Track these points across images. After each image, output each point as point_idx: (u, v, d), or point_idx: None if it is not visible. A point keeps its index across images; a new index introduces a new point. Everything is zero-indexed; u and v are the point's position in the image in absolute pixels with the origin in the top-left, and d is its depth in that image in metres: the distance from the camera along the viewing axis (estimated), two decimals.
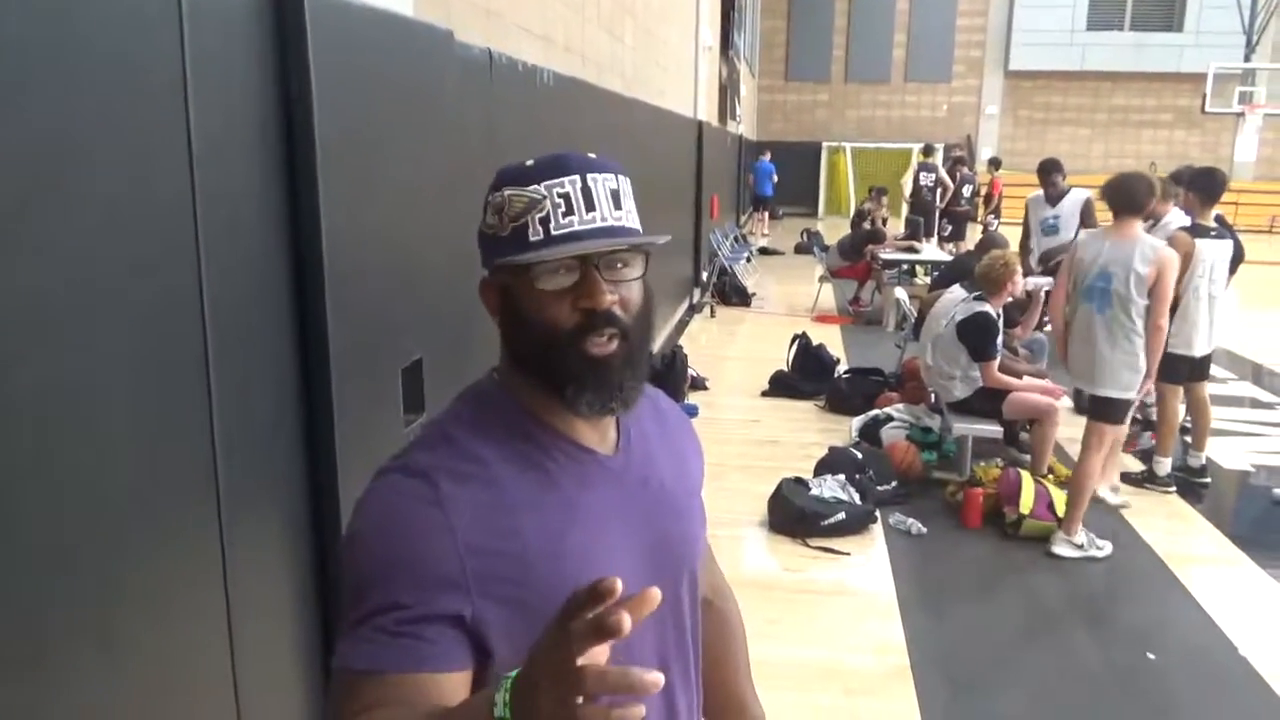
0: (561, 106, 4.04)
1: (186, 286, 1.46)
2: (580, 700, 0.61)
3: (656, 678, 0.60)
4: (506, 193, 0.91)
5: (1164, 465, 4.89)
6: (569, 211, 0.90)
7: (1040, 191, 6.63)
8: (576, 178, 0.91)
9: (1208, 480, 5.00)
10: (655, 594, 0.64)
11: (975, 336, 4.69)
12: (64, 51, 1.20)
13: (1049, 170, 6.59)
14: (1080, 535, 4.05)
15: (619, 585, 0.62)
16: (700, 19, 10.32)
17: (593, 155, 0.94)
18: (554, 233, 0.89)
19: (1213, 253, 4.68)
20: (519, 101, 3.34)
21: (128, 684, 1.34)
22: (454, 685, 0.86)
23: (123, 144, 1.31)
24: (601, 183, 0.92)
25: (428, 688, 0.83)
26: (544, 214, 0.90)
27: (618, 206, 0.92)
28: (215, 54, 1.52)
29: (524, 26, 3.76)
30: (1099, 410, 4.06)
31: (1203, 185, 4.81)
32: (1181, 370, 4.75)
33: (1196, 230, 4.70)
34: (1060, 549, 4.04)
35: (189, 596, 1.50)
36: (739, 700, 1.12)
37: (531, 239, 0.90)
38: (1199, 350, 4.75)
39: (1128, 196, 3.91)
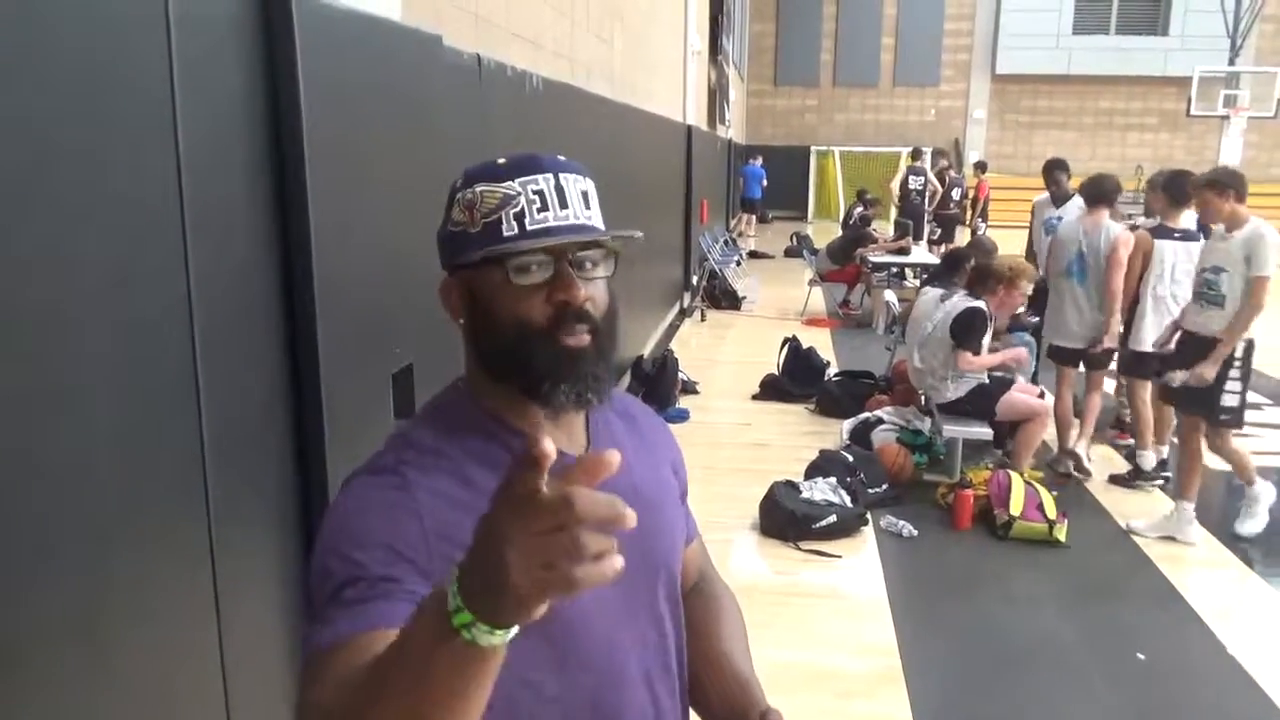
0: (551, 111, 4.04)
1: (175, 291, 1.45)
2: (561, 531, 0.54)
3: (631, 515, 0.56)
4: (479, 189, 0.91)
5: (1148, 458, 5.01)
6: (543, 208, 0.90)
7: (1047, 193, 6.54)
8: (550, 175, 0.91)
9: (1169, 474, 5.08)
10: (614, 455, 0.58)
11: (961, 327, 4.71)
12: (49, 58, 1.19)
13: (1052, 169, 6.49)
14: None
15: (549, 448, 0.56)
16: (689, 23, 10.34)
17: (562, 157, 0.94)
18: (529, 228, 0.89)
19: (1174, 255, 4.83)
20: (508, 106, 3.34)
21: (115, 683, 1.34)
22: None
23: (109, 150, 1.31)
24: (573, 182, 0.93)
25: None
26: (518, 209, 0.90)
27: (588, 206, 0.93)
28: (202, 60, 1.52)
29: (513, 31, 3.76)
30: (1094, 362, 5.01)
31: (1171, 188, 4.95)
32: (1151, 366, 4.85)
33: (1160, 231, 4.93)
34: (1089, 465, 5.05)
35: (178, 598, 1.49)
36: (740, 679, 1.06)
37: (505, 234, 0.89)
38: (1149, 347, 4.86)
39: (1098, 191, 5.00)
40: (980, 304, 4.76)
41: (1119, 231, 4.87)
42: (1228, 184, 4.15)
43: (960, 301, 4.81)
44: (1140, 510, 4.61)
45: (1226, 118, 19.66)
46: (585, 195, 0.93)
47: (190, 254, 1.47)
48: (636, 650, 1.00)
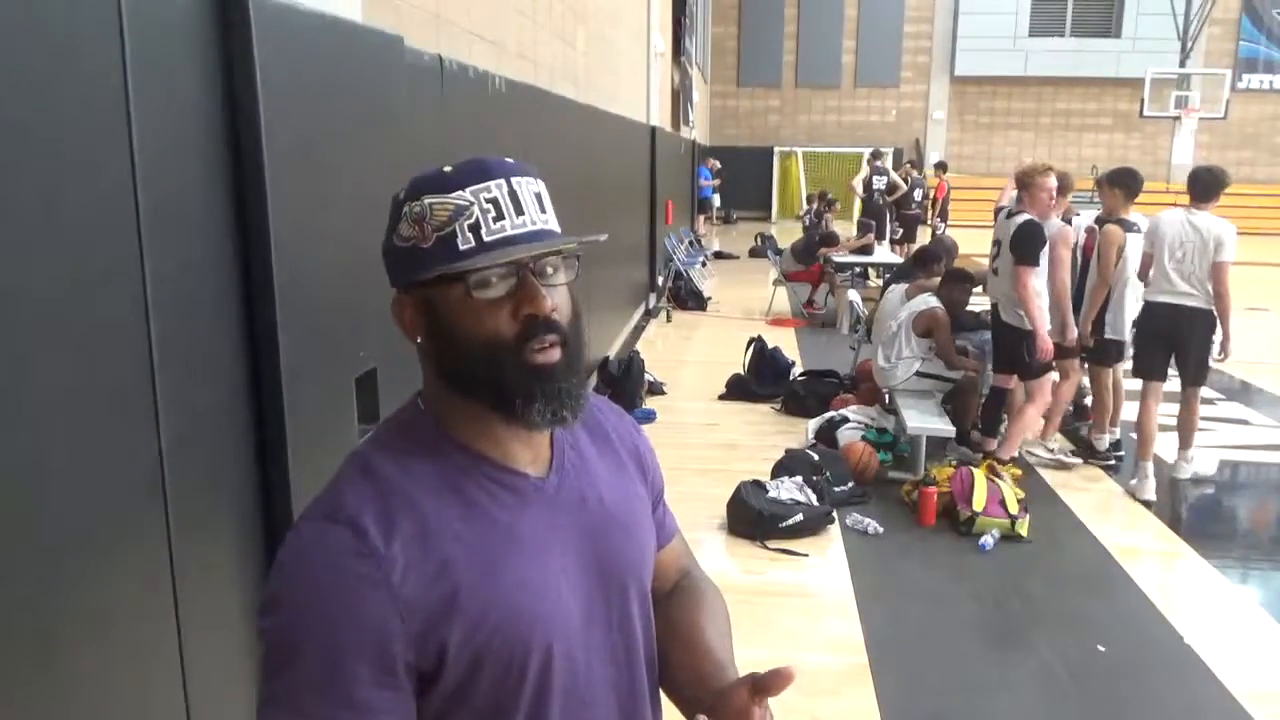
0: (514, 113, 4.02)
1: (131, 295, 1.42)
2: None
3: None
4: (427, 201, 0.86)
5: (1103, 441, 5.35)
6: (499, 216, 0.86)
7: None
8: (502, 182, 0.88)
9: (1121, 455, 5.36)
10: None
11: (1021, 240, 4.67)
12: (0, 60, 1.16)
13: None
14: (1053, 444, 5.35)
15: None
16: (651, 25, 10.36)
17: (509, 159, 0.91)
18: (486, 239, 0.86)
19: (1131, 246, 5.04)
20: (471, 108, 3.32)
21: (72, 703, 1.31)
22: None
23: (63, 154, 1.28)
24: (526, 186, 0.89)
25: None
26: (473, 220, 0.86)
27: (543, 210, 0.90)
28: (157, 62, 1.49)
29: (475, 32, 3.74)
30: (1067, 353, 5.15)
31: (1125, 183, 5.13)
32: (1114, 353, 5.12)
33: (1123, 225, 5.09)
34: (1038, 450, 5.29)
35: (137, 611, 1.47)
36: (716, 661, 1.02)
37: (462, 247, 0.85)
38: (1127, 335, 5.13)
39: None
40: (1035, 218, 4.75)
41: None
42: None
43: (925, 300, 4.88)
44: (1097, 504, 4.71)
45: (1178, 118, 20.09)
46: (539, 198, 0.90)
47: (146, 257, 1.44)
48: (607, 665, 0.99)
